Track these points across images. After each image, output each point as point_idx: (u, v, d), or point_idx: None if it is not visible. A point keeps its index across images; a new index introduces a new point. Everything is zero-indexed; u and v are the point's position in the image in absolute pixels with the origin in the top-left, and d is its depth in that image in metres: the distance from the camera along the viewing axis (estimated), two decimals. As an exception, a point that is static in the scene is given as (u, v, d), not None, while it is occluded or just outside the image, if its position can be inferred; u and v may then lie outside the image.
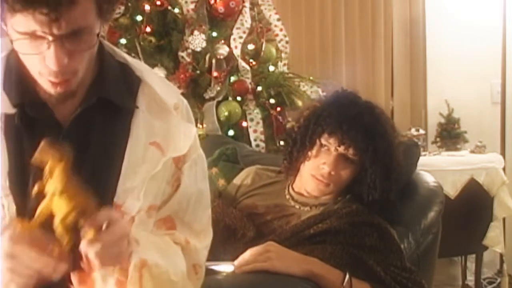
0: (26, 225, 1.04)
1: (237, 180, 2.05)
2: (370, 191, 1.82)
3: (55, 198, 1.03)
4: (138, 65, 1.28)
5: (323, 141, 1.82)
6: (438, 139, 3.81)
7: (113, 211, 1.11)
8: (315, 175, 1.83)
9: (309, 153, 1.84)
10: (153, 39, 2.89)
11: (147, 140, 1.19)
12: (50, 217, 1.04)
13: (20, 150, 1.14)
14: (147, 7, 2.89)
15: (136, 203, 1.16)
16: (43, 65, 1.08)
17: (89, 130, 1.18)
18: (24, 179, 1.13)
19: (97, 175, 1.16)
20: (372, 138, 1.79)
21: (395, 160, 1.85)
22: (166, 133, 1.21)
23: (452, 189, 3.27)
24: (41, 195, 1.04)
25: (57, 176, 1.02)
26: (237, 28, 2.98)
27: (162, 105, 1.23)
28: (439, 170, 3.20)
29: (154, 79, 1.26)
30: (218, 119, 2.87)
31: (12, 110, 1.14)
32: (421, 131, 3.80)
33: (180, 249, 1.24)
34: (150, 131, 1.20)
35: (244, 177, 2.04)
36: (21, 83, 1.15)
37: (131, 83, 1.24)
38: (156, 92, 1.23)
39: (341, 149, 1.80)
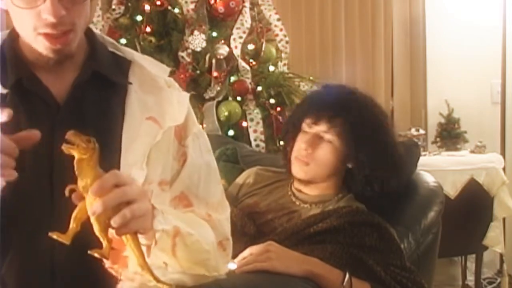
0: (63, 236, 1.00)
1: (238, 180, 2.06)
2: (356, 171, 1.82)
3: (88, 196, 0.99)
4: (128, 50, 1.31)
5: (303, 124, 1.87)
6: (438, 139, 3.82)
7: (120, 174, 1.05)
8: (297, 156, 1.86)
9: (296, 139, 1.89)
10: (153, 39, 2.90)
11: (143, 115, 1.21)
12: (87, 220, 1.00)
13: (17, 130, 1.12)
14: (147, 7, 2.89)
15: (140, 173, 1.16)
16: (39, 19, 1.10)
17: (85, 107, 1.20)
18: (19, 159, 1.10)
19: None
20: (344, 112, 1.81)
21: (377, 132, 1.84)
22: (160, 107, 1.24)
23: (452, 189, 3.27)
24: (73, 198, 1.01)
25: (86, 170, 0.99)
26: (237, 28, 2.98)
27: (153, 82, 1.26)
28: (439, 170, 3.19)
29: (143, 60, 1.30)
30: (218, 119, 2.87)
31: (4, 90, 1.16)
32: (421, 131, 3.80)
33: None
34: (145, 107, 1.22)
35: (246, 177, 2.04)
36: (17, 63, 1.18)
37: (121, 64, 1.27)
38: (147, 70, 1.27)
39: (315, 126, 1.84)
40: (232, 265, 1.58)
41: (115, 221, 0.99)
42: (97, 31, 1.33)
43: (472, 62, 4.18)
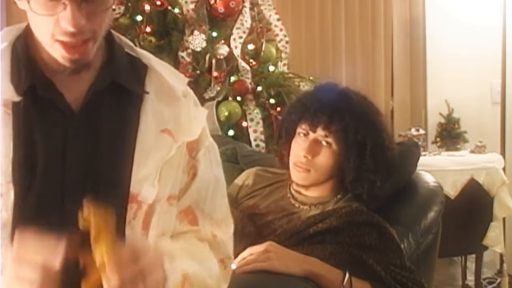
0: None
1: (238, 181, 2.05)
2: (349, 172, 1.81)
3: (102, 264, 0.98)
4: (144, 53, 1.27)
5: (298, 129, 1.86)
6: (438, 139, 3.82)
7: (134, 242, 1.06)
8: (296, 163, 1.85)
9: (291, 144, 1.88)
10: (153, 39, 2.90)
11: (158, 127, 1.18)
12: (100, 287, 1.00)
13: (29, 137, 1.12)
14: (147, 7, 2.89)
15: (152, 190, 1.14)
16: (58, 27, 1.06)
17: (99, 115, 1.16)
18: (30, 166, 1.10)
19: (111, 163, 1.15)
20: (340, 116, 1.80)
21: (372, 137, 1.82)
22: (177, 120, 1.20)
23: (452, 189, 3.27)
24: (85, 265, 1.00)
25: (102, 239, 0.99)
26: (237, 28, 2.98)
27: (170, 92, 1.22)
28: (439, 170, 3.20)
29: (161, 66, 1.25)
30: (218, 119, 2.87)
31: (17, 98, 1.12)
32: (421, 131, 3.80)
33: (208, 245, 1.24)
34: (160, 119, 1.19)
35: (245, 178, 2.04)
36: (31, 66, 1.14)
37: (138, 69, 1.22)
38: (164, 79, 1.22)
39: (312, 132, 1.83)
40: (232, 265, 1.58)
41: None
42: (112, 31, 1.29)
43: (472, 62, 4.18)
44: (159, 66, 1.25)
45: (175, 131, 1.19)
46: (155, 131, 1.18)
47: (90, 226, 0.99)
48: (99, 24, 1.09)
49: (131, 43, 1.28)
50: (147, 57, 1.25)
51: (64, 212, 1.10)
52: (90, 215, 0.99)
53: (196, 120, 1.23)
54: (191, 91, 1.29)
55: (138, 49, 1.27)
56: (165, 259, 1.08)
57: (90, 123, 1.15)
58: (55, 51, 1.10)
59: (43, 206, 1.10)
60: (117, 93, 1.18)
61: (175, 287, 1.09)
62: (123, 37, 1.28)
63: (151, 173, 1.15)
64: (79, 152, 1.13)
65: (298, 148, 1.85)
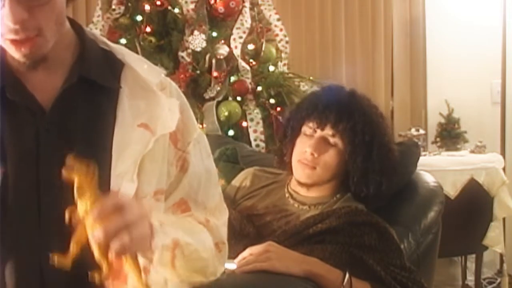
0: (64, 260, 1.00)
1: (235, 182, 2.05)
2: (354, 173, 1.82)
3: (88, 218, 0.99)
4: (119, 49, 1.26)
5: (304, 128, 1.86)
6: (438, 139, 3.82)
7: (120, 195, 1.05)
8: (300, 160, 1.85)
9: (296, 142, 1.88)
10: (153, 39, 2.90)
11: (134, 122, 1.17)
12: (87, 243, 1.00)
13: (1, 138, 1.11)
14: (147, 7, 2.89)
15: (131, 185, 1.13)
16: (3, 26, 1.06)
17: (73, 113, 1.15)
18: (4, 166, 1.10)
19: (88, 160, 1.13)
20: (348, 116, 1.81)
21: (379, 139, 1.84)
22: (152, 113, 1.19)
23: (452, 189, 3.27)
24: (73, 222, 1.00)
25: (86, 194, 0.99)
26: (237, 28, 2.98)
27: (145, 87, 1.21)
28: (439, 170, 3.20)
29: (136, 60, 1.24)
30: (218, 119, 2.87)
31: None
32: (421, 131, 3.80)
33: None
34: (136, 113, 1.18)
35: (243, 179, 2.04)
36: (1, 69, 1.13)
37: (113, 66, 1.22)
38: (139, 74, 1.21)
39: (320, 130, 1.83)
40: (232, 265, 1.58)
41: (114, 246, 0.99)
42: (96, 30, 1.28)
43: (472, 62, 4.18)
44: (133, 61, 1.23)
45: (152, 125, 1.18)
46: (132, 125, 1.16)
47: (73, 181, 0.99)
48: (44, 19, 1.07)
49: (105, 39, 1.27)
50: (122, 52, 1.24)
51: (40, 215, 1.10)
52: (73, 170, 0.99)
53: (170, 111, 1.21)
54: (169, 81, 1.28)
55: (112, 44, 1.26)
56: (155, 221, 1.07)
57: (63, 121, 1.14)
58: (9, 49, 1.10)
59: (19, 210, 1.10)
60: (90, 89, 1.17)
61: (165, 250, 1.08)
62: (97, 35, 1.27)
63: (129, 168, 1.13)
64: (53, 151, 1.12)
65: (304, 145, 1.85)
